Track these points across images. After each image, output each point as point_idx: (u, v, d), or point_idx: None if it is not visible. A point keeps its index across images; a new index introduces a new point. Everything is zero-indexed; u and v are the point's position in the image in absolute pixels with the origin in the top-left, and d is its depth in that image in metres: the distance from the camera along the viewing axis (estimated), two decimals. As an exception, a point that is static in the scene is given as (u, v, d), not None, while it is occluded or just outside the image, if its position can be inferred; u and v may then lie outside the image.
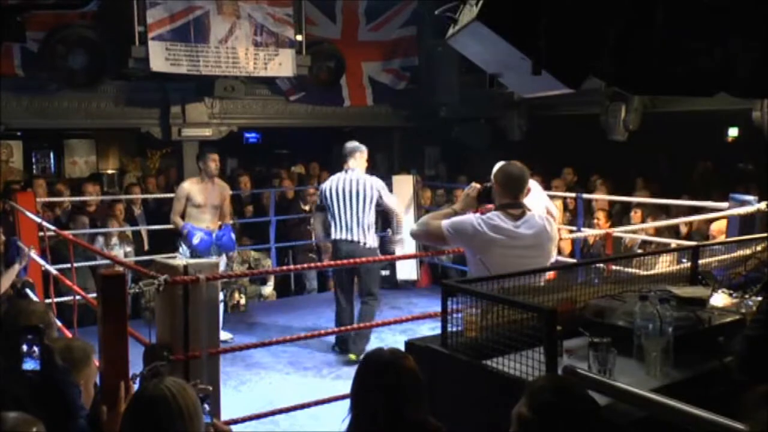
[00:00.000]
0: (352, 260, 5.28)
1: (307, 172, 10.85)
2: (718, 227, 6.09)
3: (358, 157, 6.25)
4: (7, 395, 2.50)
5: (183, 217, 6.61)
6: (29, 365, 2.56)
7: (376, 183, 6.17)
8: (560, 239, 7.28)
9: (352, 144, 6.34)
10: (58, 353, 2.70)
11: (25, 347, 2.56)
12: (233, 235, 6.91)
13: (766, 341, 2.31)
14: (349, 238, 6.05)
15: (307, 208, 9.16)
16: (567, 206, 8.45)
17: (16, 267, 5.70)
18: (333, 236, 6.20)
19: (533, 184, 5.89)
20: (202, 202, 6.57)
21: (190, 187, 6.65)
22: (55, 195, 8.68)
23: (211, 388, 2.61)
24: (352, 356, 5.99)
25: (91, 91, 8.67)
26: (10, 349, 2.65)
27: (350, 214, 6.04)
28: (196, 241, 6.38)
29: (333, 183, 6.20)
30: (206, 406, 2.40)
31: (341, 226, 6.09)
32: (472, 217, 3.51)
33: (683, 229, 7.30)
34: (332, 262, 5.80)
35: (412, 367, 2.36)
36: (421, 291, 8.81)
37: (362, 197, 6.07)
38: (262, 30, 8.76)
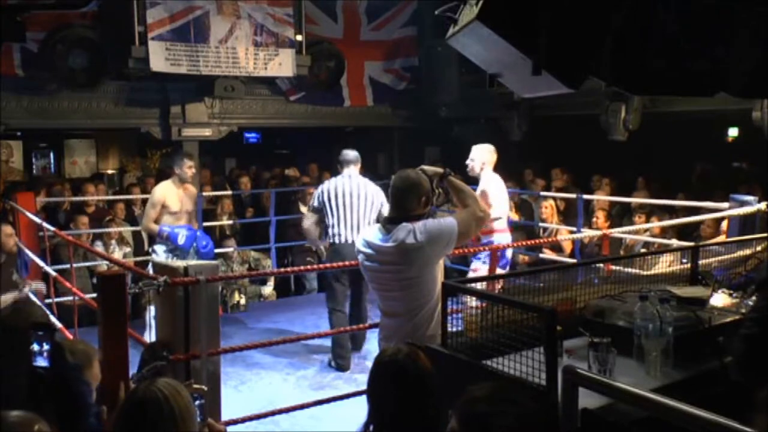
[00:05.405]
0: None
1: (305, 175, 10.76)
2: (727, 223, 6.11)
3: (359, 165, 6.20)
4: (11, 393, 2.51)
5: (156, 223, 6.40)
6: (39, 363, 2.55)
7: (381, 193, 6.05)
8: (555, 240, 7.38)
9: (355, 153, 6.21)
10: None
11: (35, 345, 2.55)
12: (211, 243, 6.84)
13: (762, 341, 2.31)
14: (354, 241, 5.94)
15: (305, 209, 9.13)
16: (558, 208, 8.40)
17: (9, 297, 5.62)
18: (334, 239, 6.02)
19: (494, 178, 6.01)
20: (178, 209, 6.39)
21: (165, 193, 6.41)
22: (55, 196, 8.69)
23: (206, 388, 2.60)
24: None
25: (91, 91, 8.68)
26: (11, 349, 2.65)
27: (356, 217, 5.97)
28: (182, 241, 6.21)
29: (336, 186, 6.03)
30: (200, 406, 2.38)
31: (345, 229, 5.96)
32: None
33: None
34: (333, 264, 5.70)
35: (427, 366, 2.39)
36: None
37: (370, 202, 6.00)
38: (262, 30, 8.76)
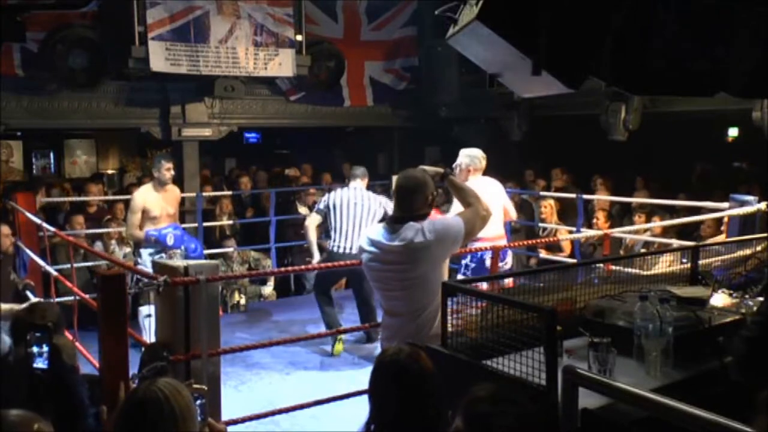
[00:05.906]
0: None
1: (305, 175, 10.82)
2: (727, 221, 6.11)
3: (366, 180, 6.49)
4: (18, 392, 2.51)
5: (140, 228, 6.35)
6: (38, 364, 2.56)
7: (385, 200, 6.33)
8: (555, 240, 7.37)
9: (363, 169, 6.54)
10: None
11: (34, 346, 2.56)
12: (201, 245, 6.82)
13: (764, 344, 2.31)
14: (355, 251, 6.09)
15: (303, 210, 9.15)
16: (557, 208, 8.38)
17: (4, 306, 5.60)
18: (333, 247, 6.26)
19: (492, 182, 6.01)
20: (158, 213, 6.32)
21: (145, 197, 6.34)
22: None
23: (206, 388, 2.60)
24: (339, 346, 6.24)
25: (91, 91, 8.68)
26: (21, 347, 2.66)
27: (357, 229, 6.12)
28: (171, 241, 6.19)
29: (342, 197, 6.29)
30: (200, 406, 2.38)
31: (345, 240, 6.18)
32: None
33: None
34: (333, 264, 5.77)
35: (429, 366, 2.40)
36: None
37: (372, 214, 6.23)
38: (262, 30, 8.76)
